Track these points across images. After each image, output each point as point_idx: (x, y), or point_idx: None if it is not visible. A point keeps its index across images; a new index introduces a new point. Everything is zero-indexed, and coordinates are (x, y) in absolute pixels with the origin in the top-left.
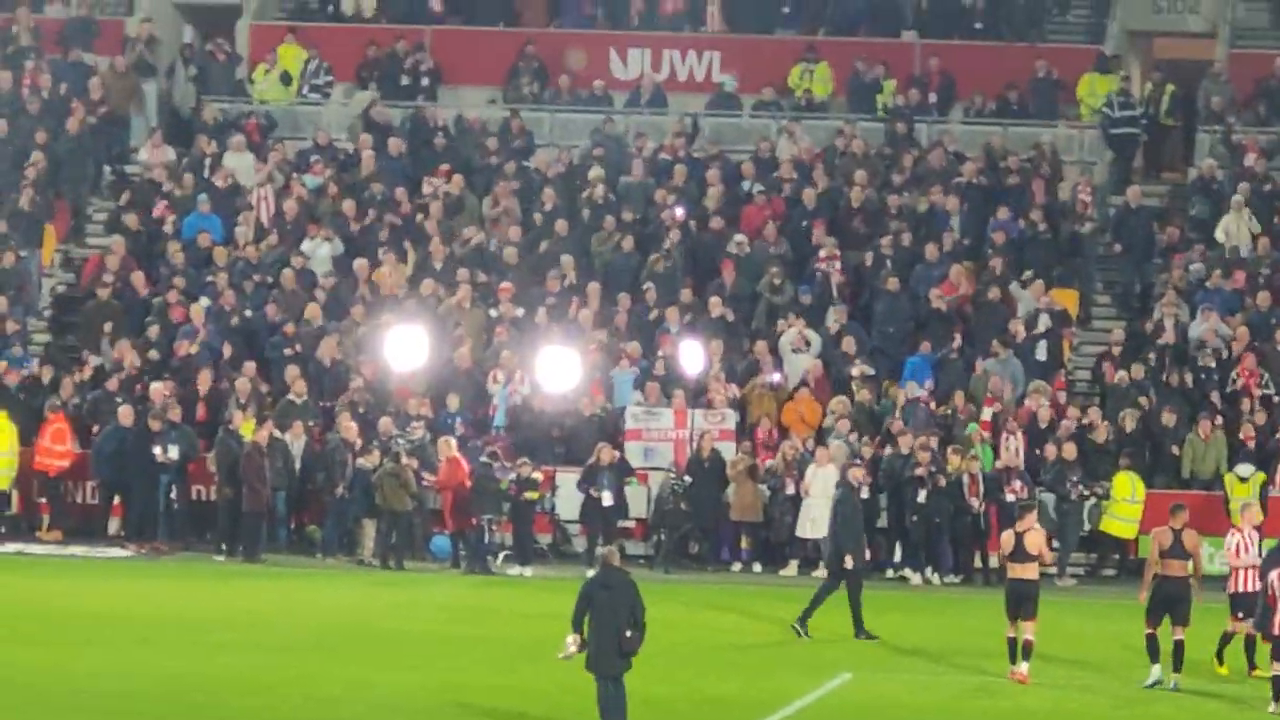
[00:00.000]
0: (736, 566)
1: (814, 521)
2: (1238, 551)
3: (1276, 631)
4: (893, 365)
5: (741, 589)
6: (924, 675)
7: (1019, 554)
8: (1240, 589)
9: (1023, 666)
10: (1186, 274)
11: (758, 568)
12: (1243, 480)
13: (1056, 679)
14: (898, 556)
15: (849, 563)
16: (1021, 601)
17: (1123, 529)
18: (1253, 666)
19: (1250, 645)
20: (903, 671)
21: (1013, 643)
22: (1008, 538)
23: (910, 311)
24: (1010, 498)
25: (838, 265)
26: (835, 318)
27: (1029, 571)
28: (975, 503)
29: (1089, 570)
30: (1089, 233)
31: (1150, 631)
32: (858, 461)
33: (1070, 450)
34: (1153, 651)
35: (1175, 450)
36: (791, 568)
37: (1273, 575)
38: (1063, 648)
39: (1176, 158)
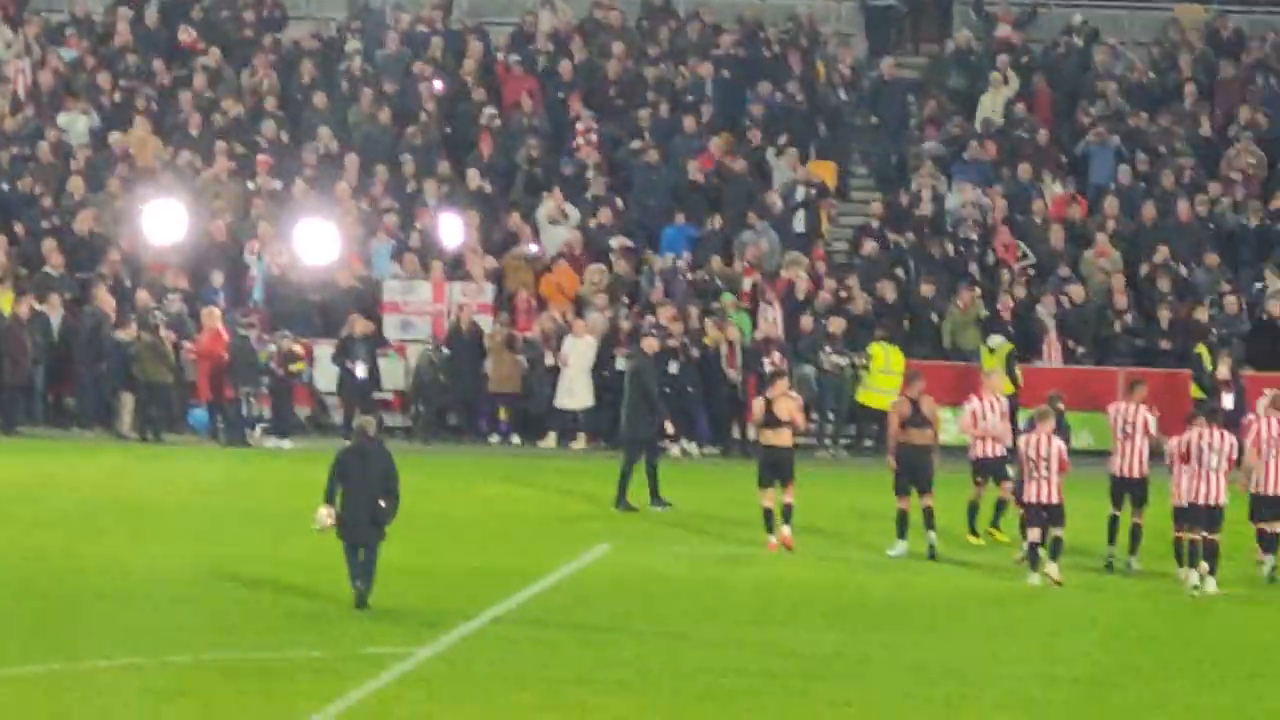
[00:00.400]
0: (495, 438)
1: (571, 393)
2: (974, 420)
3: (1029, 499)
4: (651, 237)
5: (499, 461)
6: (682, 546)
7: (770, 421)
8: (981, 455)
9: (784, 529)
10: (943, 146)
11: (516, 439)
12: (991, 351)
13: (815, 550)
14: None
15: (669, 429)
16: (774, 468)
17: (879, 400)
18: (994, 525)
19: (998, 507)
20: (661, 542)
21: (768, 511)
22: (759, 405)
23: (668, 183)
24: (768, 368)
25: (595, 137)
26: (593, 190)
27: (782, 439)
28: (733, 373)
29: (851, 442)
30: (846, 105)
31: (901, 506)
32: (653, 332)
33: (837, 324)
34: (901, 526)
35: (935, 320)
36: (550, 439)
37: (1022, 442)
38: (821, 519)
39: (934, 29)
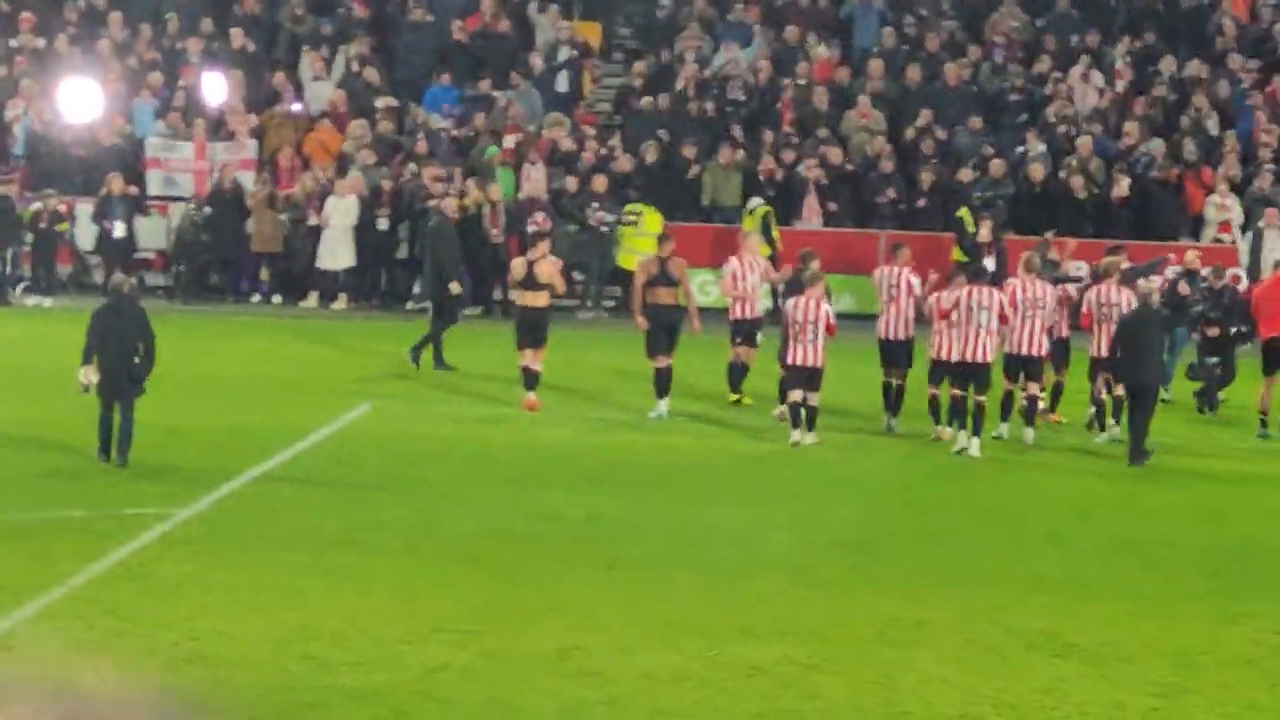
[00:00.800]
0: (256, 298)
1: (333, 253)
2: (733, 281)
3: (793, 361)
4: (415, 95)
5: (261, 320)
6: (444, 407)
7: (529, 282)
8: (739, 316)
9: (530, 395)
10: (707, 5)
11: (278, 299)
12: (749, 213)
13: (577, 411)
14: (417, 288)
15: (454, 289)
16: (530, 329)
17: (635, 262)
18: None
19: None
20: (423, 403)
21: (526, 371)
22: (519, 265)
23: (433, 43)
24: (531, 228)
25: None
26: (357, 48)
27: (539, 300)
28: (495, 233)
29: (616, 303)
30: None
31: (659, 366)
32: (451, 192)
33: (601, 182)
34: (660, 386)
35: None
36: (311, 299)
37: (790, 305)
38: (583, 380)
39: None
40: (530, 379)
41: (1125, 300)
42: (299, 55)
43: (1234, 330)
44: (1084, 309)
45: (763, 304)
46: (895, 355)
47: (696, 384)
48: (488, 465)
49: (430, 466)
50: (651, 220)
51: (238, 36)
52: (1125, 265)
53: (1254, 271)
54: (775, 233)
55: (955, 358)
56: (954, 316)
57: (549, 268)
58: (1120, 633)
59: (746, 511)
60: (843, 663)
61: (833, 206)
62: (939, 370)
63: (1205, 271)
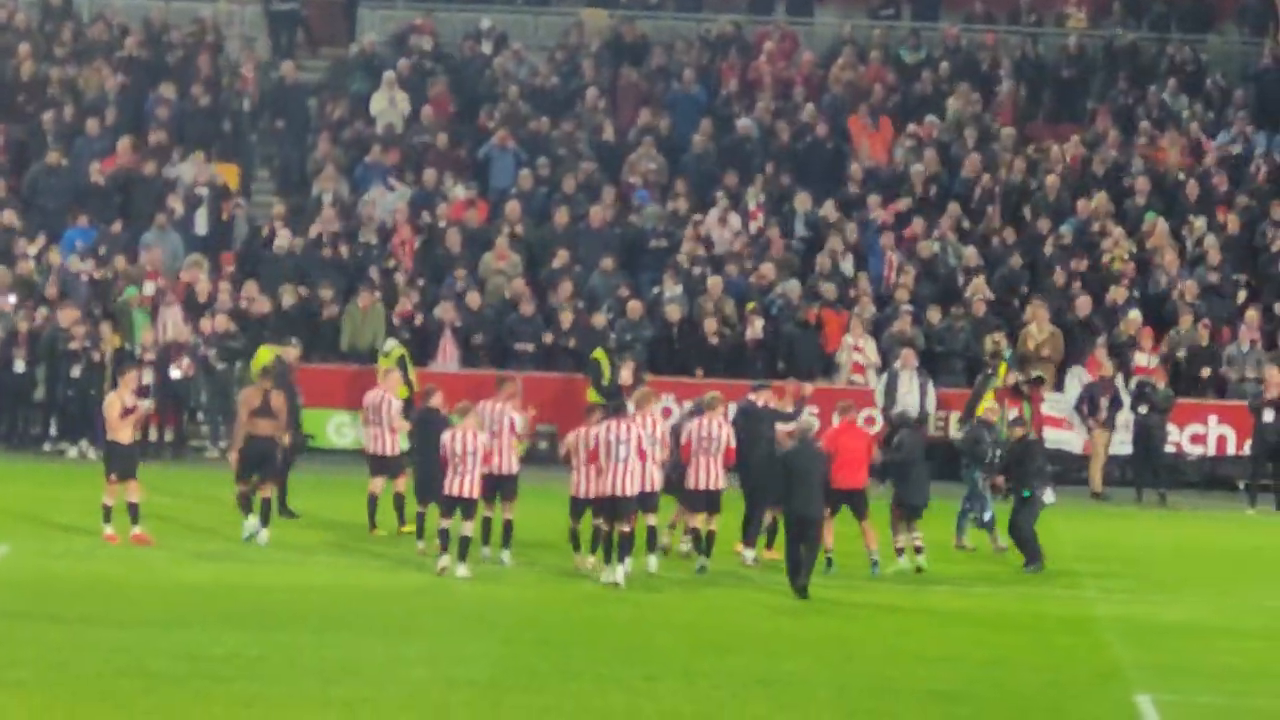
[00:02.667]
0: None
1: None
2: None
3: (452, 492)
4: (54, 238)
5: None
6: (80, 546)
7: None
8: (375, 452)
9: (135, 528)
10: (342, 148)
11: None
12: (385, 355)
13: (196, 547)
14: (54, 430)
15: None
16: (120, 464)
17: None
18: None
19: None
20: (59, 543)
21: (108, 508)
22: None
23: (71, 185)
24: (176, 374)
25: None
26: None
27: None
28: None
29: None
30: (249, 108)
31: (241, 489)
32: (291, 341)
33: (223, 322)
34: (244, 505)
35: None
36: None
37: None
38: (199, 517)
39: (339, 33)
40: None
41: (725, 434)
42: None
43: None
44: (684, 440)
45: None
46: (498, 488)
47: (335, 518)
48: (125, 604)
49: (67, 606)
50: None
51: None
52: (761, 403)
53: (887, 412)
54: (412, 374)
55: (596, 493)
56: (599, 455)
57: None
58: None
59: (382, 647)
60: None
61: (474, 347)
62: (579, 506)
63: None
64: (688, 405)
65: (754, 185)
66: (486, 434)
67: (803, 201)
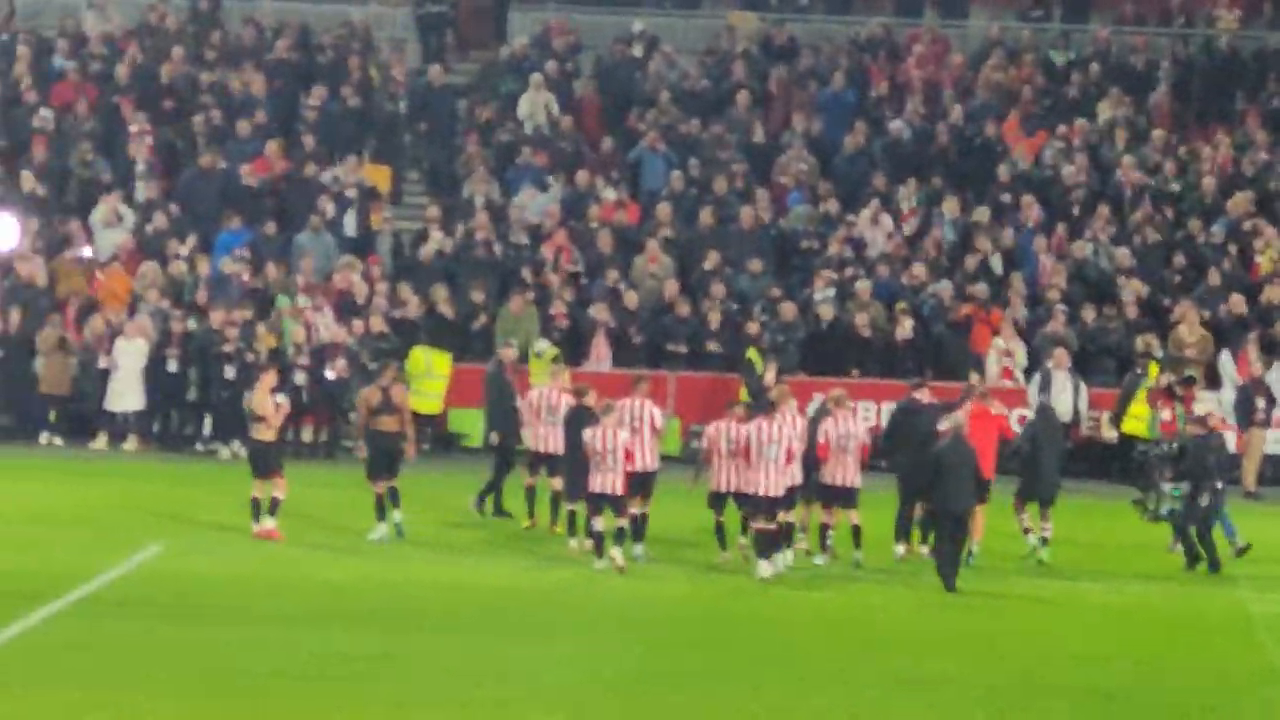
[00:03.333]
0: (44, 439)
1: (121, 395)
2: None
3: (595, 489)
4: (206, 240)
5: (50, 462)
6: (235, 549)
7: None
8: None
9: (269, 521)
10: (493, 150)
11: (59, 441)
12: (537, 356)
13: (346, 544)
14: (207, 430)
15: (493, 438)
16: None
17: (425, 404)
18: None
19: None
20: (213, 543)
21: (256, 502)
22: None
23: (223, 187)
24: (331, 375)
25: (149, 141)
26: (147, 192)
27: (265, 435)
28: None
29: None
30: (399, 110)
31: (376, 490)
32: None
33: (377, 323)
34: (379, 510)
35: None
36: (100, 440)
37: (588, 434)
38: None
39: (488, 36)
40: (265, 508)
41: (862, 430)
42: (89, 199)
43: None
44: (820, 439)
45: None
46: (644, 484)
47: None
48: (277, 604)
49: (219, 606)
50: (438, 362)
51: (28, 180)
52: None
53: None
54: (566, 375)
55: (738, 488)
56: (751, 452)
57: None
58: None
59: (525, 648)
60: None
61: (631, 345)
62: (720, 500)
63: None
64: (813, 405)
65: (906, 186)
66: (627, 431)
67: (951, 205)
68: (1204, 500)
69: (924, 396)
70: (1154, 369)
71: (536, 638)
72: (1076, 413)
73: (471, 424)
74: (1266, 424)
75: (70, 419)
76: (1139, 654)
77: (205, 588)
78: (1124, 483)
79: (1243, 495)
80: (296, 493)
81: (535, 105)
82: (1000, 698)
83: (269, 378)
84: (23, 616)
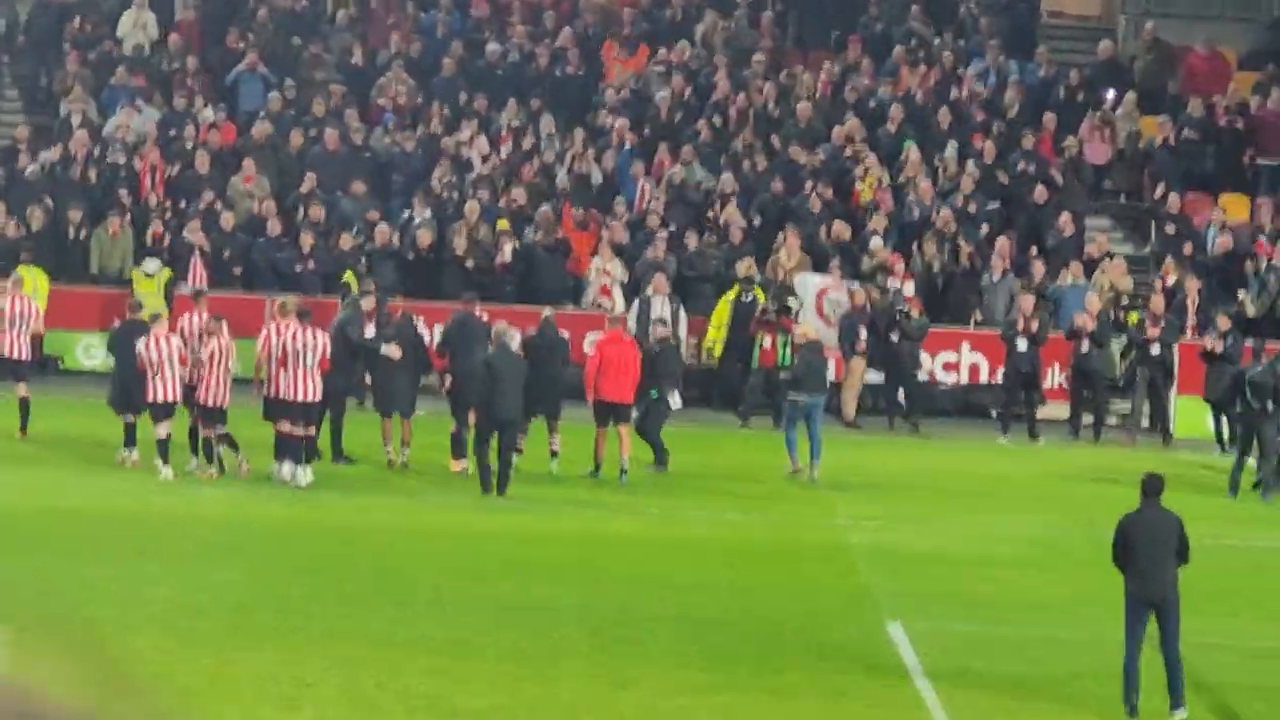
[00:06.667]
0: None
1: None
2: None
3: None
4: None
5: None
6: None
7: None
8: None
9: None
10: (92, 70)
11: None
12: (149, 276)
13: None
14: None
15: None
16: None
17: None
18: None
19: None
20: None
21: None
22: None
23: None
24: None
25: None
26: None
27: None
28: None
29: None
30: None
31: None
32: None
33: None
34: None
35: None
36: None
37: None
38: None
39: None
40: None
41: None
42: None
43: None
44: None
45: None
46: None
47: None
48: None
49: None
50: (40, 281)
51: None
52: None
53: (641, 336)
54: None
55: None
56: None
57: None
58: (506, 696)
59: (123, 568)
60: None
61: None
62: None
63: None
64: None
65: (506, 110)
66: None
67: (548, 126)
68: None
69: (477, 309)
70: (761, 294)
71: (126, 558)
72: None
73: (67, 346)
74: (867, 354)
75: None
76: (737, 582)
77: None
78: (723, 409)
79: (843, 424)
80: None
81: (135, 24)
82: (598, 624)
83: None
84: None
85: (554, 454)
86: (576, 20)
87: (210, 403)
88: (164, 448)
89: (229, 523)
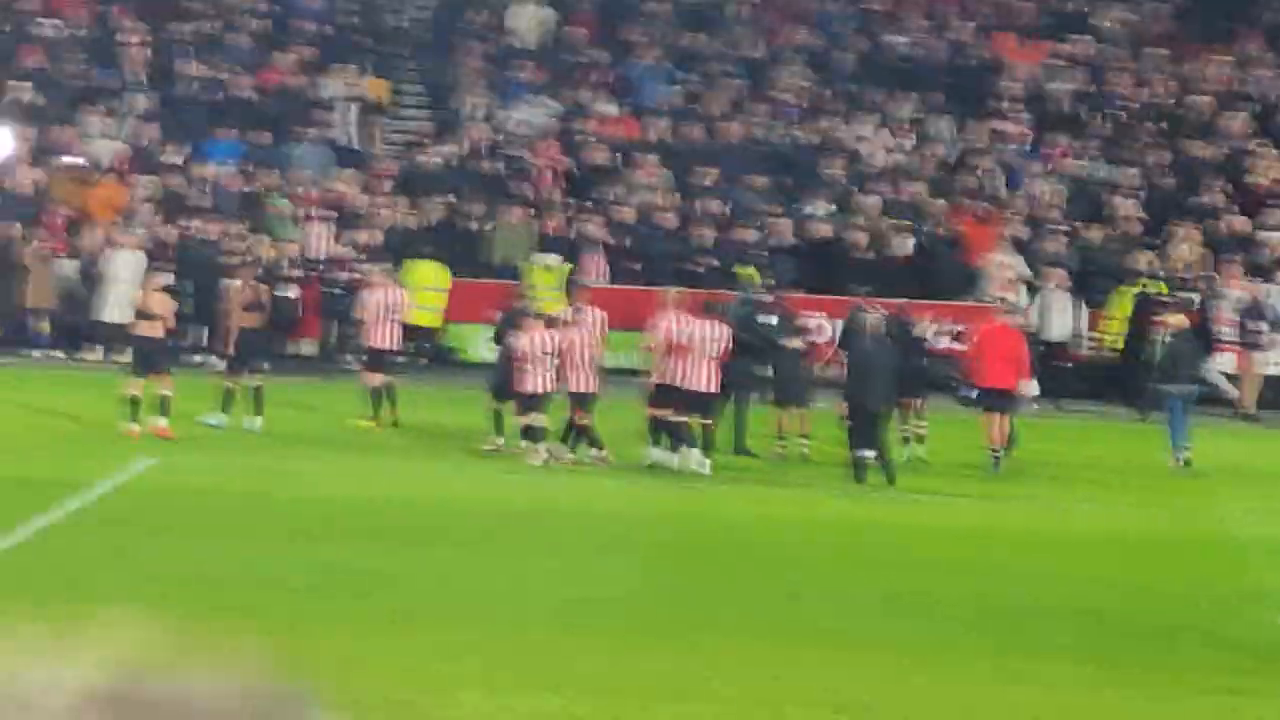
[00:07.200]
0: (36, 352)
1: (114, 306)
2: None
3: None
4: (199, 150)
5: (42, 373)
6: (228, 460)
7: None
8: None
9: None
10: (489, 64)
11: (59, 353)
12: (548, 269)
13: (347, 466)
14: (204, 342)
15: None
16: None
17: (425, 318)
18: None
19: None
20: (207, 457)
21: (135, 401)
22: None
23: (217, 96)
24: (336, 290)
25: (144, 50)
26: (142, 103)
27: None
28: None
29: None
30: (399, 22)
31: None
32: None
33: (376, 235)
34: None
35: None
36: (96, 352)
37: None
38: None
39: None
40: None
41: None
42: (83, 109)
43: None
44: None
45: None
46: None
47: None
48: (269, 518)
49: (209, 519)
50: (441, 276)
51: (21, 89)
52: None
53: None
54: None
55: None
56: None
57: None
58: (896, 687)
59: (521, 562)
60: (623, 716)
61: (628, 263)
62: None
63: None
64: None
65: (905, 103)
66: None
67: (947, 121)
68: None
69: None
70: (1164, 289)
71: (523, 552)
72: (1077, 332)
73: (469, 338)
74: (1265, 347)
75: (62, 330)
76: (1129, 576)
77: (196, 502)
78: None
79: (1240, 418)
80: (288, 413)
81: (529, 17)
82: (992, 615)
83: (158, 278)
84: (13, 528)
85: (905, 440)
86: (975, 13)
87: (580, 389)
88: (534, 434)
89: (619, 515)
